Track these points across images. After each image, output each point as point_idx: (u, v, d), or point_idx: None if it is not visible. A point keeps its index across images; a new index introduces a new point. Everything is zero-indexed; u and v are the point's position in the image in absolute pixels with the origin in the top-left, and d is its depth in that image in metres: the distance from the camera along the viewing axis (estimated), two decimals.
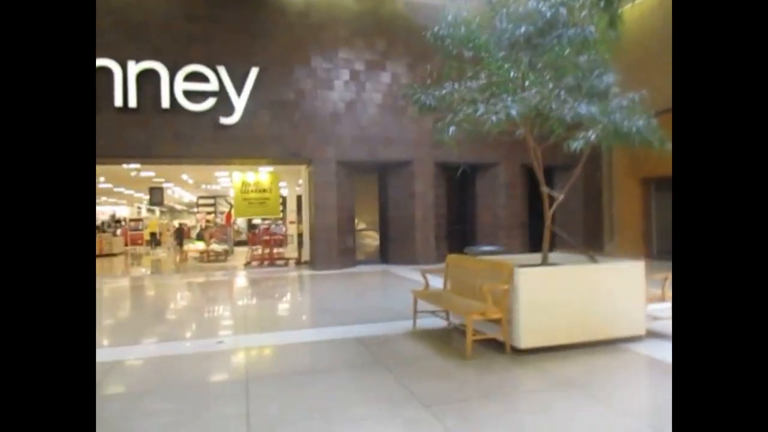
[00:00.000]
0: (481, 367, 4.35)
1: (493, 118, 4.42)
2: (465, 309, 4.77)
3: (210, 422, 3.34)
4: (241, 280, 11.92)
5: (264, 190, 14.90)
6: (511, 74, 5.34)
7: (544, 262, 5.41)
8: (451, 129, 4.79)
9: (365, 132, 12.81)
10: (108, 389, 4.10)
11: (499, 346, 4.78)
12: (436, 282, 6.26)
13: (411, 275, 10.83)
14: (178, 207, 40.46)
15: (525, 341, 4.58)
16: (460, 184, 14.51)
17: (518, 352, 4.61)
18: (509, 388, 3.97)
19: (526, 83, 5.20)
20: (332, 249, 12.65)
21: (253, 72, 11.93)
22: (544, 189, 5.49)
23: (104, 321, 7.51)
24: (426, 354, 4.80)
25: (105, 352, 5.27)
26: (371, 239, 14.39)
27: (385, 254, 14.03)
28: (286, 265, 14.21)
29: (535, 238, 14.18)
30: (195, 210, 35.07)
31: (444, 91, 5.03)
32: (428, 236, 13.32)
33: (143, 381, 4.32)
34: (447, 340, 5.34)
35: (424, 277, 6.06)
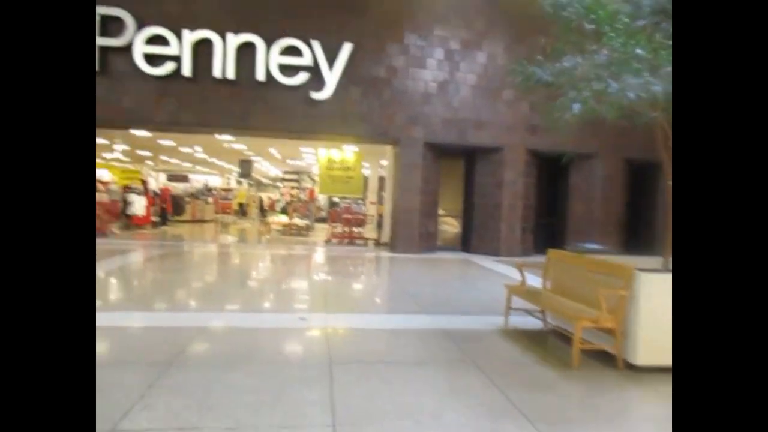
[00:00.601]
0: (590, 382, 3.82)
1: (630, 94, 3.79)
2: (573, 314, 4.23)
3: (294, 406, 3.13)
4: (322, 256, 11.95)
5: (348, 168, 14.84)
6: (636, 51, 4.62)
7: (666, 268, 4.71)
8: (576, 106, 4.20)
9: (456, 114, 12.27)
10: (192, 357, 4.05)
11: (608, 359, 4.21)
12: (517, 277, 5.72)
13: (495, 267, 10.28)
14: (264, 180, 42.05)
15: (642, 357, 3.98)
16: (552, 174, 13.58)
17: (633, 368, 4.02)
18: (626, 411, 3.43)
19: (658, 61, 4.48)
20: (413, 232, 12.34)
21: (346, 47, 11.75)
22: (671, 183, 4.76)
23: (192, 284, 7.72)
24: (524, 358, 4.33)
25: (192, 317, 5.32)
26: (450, 226, 13.91)
27: (466, 242, 13.49)
28: (365, 245, 14.12)
29: (634, 239, 13.01)
30: (279, 184, 36.23)
31: (566, 65, 4.43)
32: (514, 227, 12.62)
33: (226, 352, 4.23)
34: (544, 343, 4.83)
35: (521, 272, 5.55)
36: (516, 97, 12.11)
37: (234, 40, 11.34)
